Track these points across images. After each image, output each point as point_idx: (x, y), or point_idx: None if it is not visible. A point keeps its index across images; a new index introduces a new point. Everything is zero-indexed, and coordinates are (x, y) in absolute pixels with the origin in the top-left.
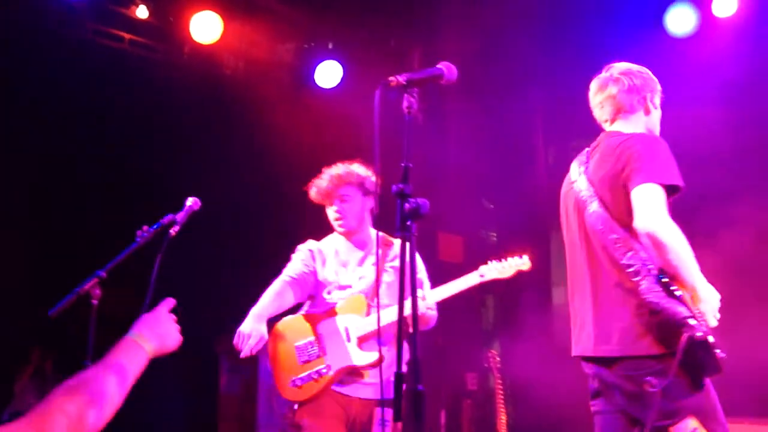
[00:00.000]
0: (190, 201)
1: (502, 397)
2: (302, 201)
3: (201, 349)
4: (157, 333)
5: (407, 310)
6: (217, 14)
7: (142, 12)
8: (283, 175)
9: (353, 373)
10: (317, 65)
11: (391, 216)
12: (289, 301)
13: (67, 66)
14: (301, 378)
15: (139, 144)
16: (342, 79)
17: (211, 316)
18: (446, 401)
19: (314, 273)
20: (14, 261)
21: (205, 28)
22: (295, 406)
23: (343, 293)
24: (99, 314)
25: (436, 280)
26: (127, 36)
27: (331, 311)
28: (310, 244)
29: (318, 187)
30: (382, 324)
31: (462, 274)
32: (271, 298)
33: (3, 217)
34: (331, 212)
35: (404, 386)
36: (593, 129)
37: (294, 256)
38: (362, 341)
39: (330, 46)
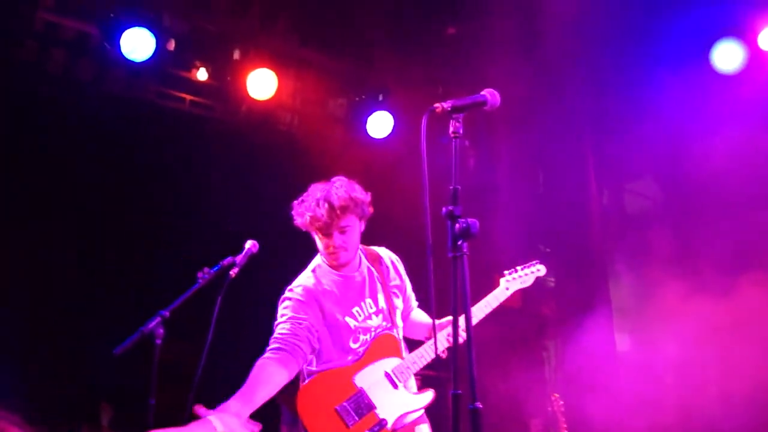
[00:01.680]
0: (248, 244)
1: None
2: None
3: None
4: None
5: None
6: (272, 71)
7: (202, 74)
8: None
9: None
10: (368, 116)
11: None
12: (282, 381)
13: (133, 126)
14: None
15: (201, 197)
16: (393, 128)
17: None
18: None
19: (314, 324)
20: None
21: (261, 85)
22: None
23: (367, 336)
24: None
25: (499, 327)
26: (188, 97)
27: (362, 360)
28: (306, 284)
29: (314, 217)
30: (429, 359)
31: (522, 320)
32: (258, 386)
33: (63, 269)
34: (327, 244)
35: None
36: (646, 169)
37: (285, 310)
38: (409, 383)
39: (380, 97)
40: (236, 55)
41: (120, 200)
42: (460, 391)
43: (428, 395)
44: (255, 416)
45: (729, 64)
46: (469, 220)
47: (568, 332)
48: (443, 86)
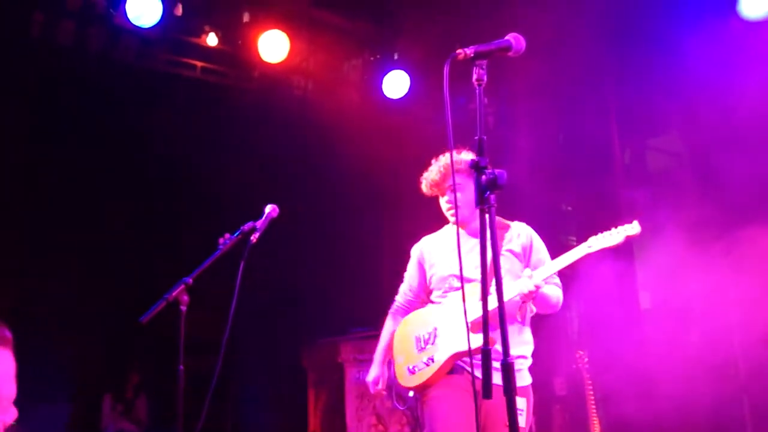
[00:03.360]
0: (268, 208)
1: (593, 400)
2: (380, 211)
3: (288, 363)
4: None
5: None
6: (283, 32)
7: (212, 40)
8: (358, 186)
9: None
10: (384, 76)
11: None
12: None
13: (144, 96)
14: (416, 365)
15: (215, 165)
16: (409, 88)
17: (298, 330)
18: (535, 407)
19: (422, 280)
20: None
21: (273, 47)
22: (411, 393)
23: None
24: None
25: None
26: (199, 64)
27: (449, 301)
28: (423, 241)
29: (428, 179)
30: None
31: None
32: (388, 340)
33: (92, 237)
34: (443, 203)
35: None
36: (668, 126)
37: (408, 266)
38: (475, 326)
39: (396, 56)
40: (246, 17)
41: (137, 170)
42: (490, 347)
43: (479, 338)
44: (283, 380)
45: (757, 11)
46: (497, 170)
47: (592, 290)
48: (461, 44)
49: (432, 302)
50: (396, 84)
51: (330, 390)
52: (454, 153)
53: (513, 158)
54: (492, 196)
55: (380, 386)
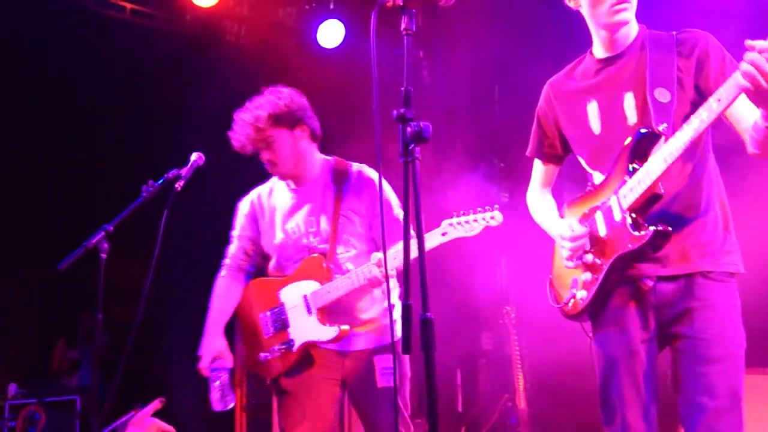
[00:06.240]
0: (194, 156)
1: (518, 354)
2: None
3: None
4: None
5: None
6: None
7: None
8: None
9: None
10: (319, 25)
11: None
12: (238, 294)
13: (71, 37)
14: (267, 353)
15: (143, 111)
16: (344, 38)
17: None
18: (461, 361)
19: (256, 238)
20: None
21: None
22: (267, 381)
23: (302, 254)
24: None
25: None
26: (128, 5)
27: (291, 275)
28: (253, 196)
29: (235, 139)
30: (343, 291)
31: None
32: (219, 305)
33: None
34: (264, 160)
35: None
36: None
37: (235, 222)
38: (323, 312)
39: (331, 5)
40: None
41: (60, 114)
42: (410, 302)
43: (331, 331)
44: None
45: None
46: (422, 123)
47: (521, 247)
48: None
49: (269, 272)
50: (331, 33)
51: None
52: (256, 104)
53: (447, 112)
54: (416, 149)
55: (215, 363)
